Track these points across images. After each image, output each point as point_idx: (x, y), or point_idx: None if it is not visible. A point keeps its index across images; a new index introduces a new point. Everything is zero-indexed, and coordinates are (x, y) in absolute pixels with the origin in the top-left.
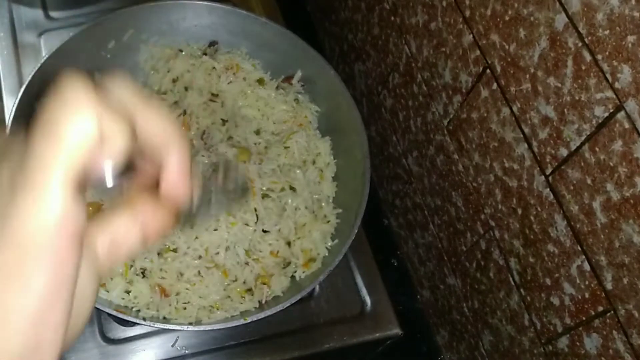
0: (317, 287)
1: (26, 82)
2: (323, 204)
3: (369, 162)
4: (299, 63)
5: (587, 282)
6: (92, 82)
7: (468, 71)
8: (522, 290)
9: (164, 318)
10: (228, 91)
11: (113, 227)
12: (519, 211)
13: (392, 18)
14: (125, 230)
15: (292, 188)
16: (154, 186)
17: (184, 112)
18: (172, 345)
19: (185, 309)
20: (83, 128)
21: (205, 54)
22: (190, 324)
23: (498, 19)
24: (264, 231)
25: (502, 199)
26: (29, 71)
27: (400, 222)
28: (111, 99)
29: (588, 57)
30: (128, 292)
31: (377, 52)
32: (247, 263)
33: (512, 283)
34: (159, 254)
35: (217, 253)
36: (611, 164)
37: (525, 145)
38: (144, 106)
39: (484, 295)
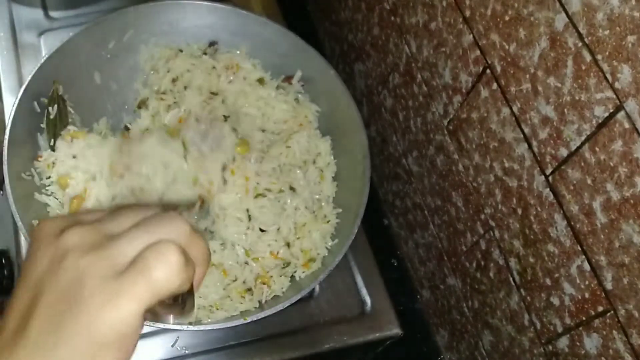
0: (317, 287)
1: (26, 82)
2: (323, 204)
3: (369, 162)
4: (299, 63)
5: (587, 282)
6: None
7: (468, 71)
8: (522, 290)
9: None
10: (228, 90)
11: None
12: (519, 211)
13: (392, 18)
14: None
15: (291, 188)
16: None
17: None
18: (172, 345)
19: None
20: (174, 279)
21: (205, 53)
22: (190, 323)
23: (498, 19)
24: (262, 230)
25: (502, 199)
26: (29, 71)
27: (400, 222)
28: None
29: (588, 57)
30: None
31: (377, 52)
32: (246, 263)
33: (512, 283)
34: None
35: (214, 252)
36: (611, 164)
37: (526, 145)
38: (193, 241)
39: (484, 295)
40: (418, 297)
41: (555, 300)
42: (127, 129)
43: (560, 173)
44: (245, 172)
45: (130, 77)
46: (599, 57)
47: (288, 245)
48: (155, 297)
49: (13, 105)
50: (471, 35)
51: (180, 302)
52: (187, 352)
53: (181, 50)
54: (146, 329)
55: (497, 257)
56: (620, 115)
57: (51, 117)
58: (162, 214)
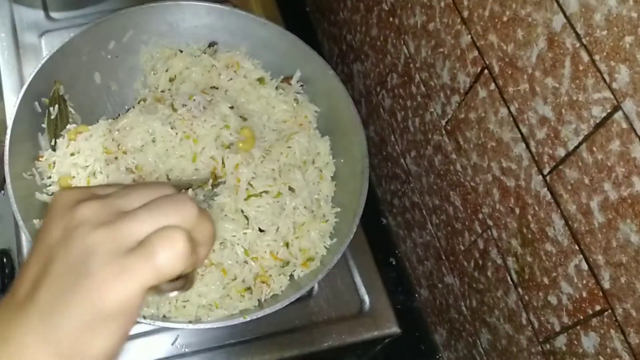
0: (316, 286)
1: (27, 83)
2: (322, 203)
3: (368, 161)
4: (298, 63)
5: (584, 282)
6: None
7: (466, 71)
8: (519, 289)
9: (164, 316)
10: (229, 86)
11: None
12: (517, 211)
13: (391, 19)
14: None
15: (290, 188)
16: None
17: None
18: (172, 344)
19: (184, 307)
20: (178, 263)
21: (204, 53)
22: (190, 322)
23: (496, 20)
24: (261, 230)
25: (500, 199)
26: (30, 71)
27: (398, 222)
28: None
29: (586, 58)
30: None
31: (376, 53)
32: (246, 262)
33: (510, 282)
34: None
35: (213, 251)
36: (609, 163)
37: (523, 145)
38: (200, 223)
39: (482, 294)
40: (416, 295)
41: (553, 299)
42: None
43: (558, 173)
44: (237, 174)
45: (130, 77)
46: (597, 57)
47: (287, 245)
48: (158, 279)
49: (14, 106)
50: (469, 36)
51: (182, 279)
52: (187, 350)
53: (181, 51)
54: (146, 328)
55: (495, 256)
56: (618, 115)
57: (52, 117)
58: (173, 196)
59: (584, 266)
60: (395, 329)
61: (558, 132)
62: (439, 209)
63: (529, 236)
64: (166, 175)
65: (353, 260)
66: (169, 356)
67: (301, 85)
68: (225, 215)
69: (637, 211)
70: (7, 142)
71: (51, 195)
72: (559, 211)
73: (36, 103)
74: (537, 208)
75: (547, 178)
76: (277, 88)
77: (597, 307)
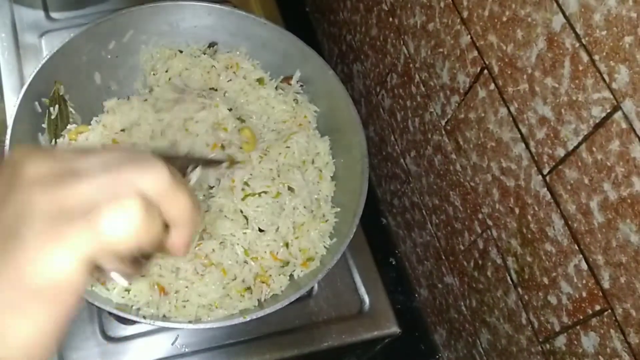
0: (316, 286)
1: (27, 83)
2: (322, 203)
3: (368, 161)
4: (297, 63)
5: (584, 281)
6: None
7: (466, 72)
8: (519, 289)
9: (164, 316)
10: (229, 87)
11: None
12: (517, 210)
13: (391, 19)
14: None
15: (290, 189)
16: None
17: None
18: (172, 344)
19: (184, 307)
20: (128, 238)
21: (204, 54)
22: (190, 322)
23: (495, 20)
24: (260, 230)
25: (500, 199)
26: (30, 72)
27: (398, 222)
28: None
29: (585, 58)
30: (128, 290)
31: (376, 53)
32: (245, 262)
33: (510, 282)
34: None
35: (213, 251)
36: (608, 163)
37: (523, 145)
38: (172, 196)
39: (482, 294)
40: (416, 295)
41: (553, 299)
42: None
43: (558, 173)
44: (231, 174)
45: (130, 77)
46: (596, 57)
47: (287, 245)
48: (101, 252)
49: (14, 106)
50: (469, 36)
51: (136, 263)
52: (186, 350)
53: (181, 51)
54: (146, 327)
55: (495, 256)
56: (618, 115)
57: (52, 117)
58: (141, 157)
59: (584, 266)
60: (395, 329)
61: (558, 132)
62: (438, 209)
63: (529, 236)
64: None
65: (353, 260)
66: (169, 356)
67: (301, 86)
68: (225, 215)
69: (636, 211)
70: (7, 142)
71: None
72: (559, 211)
73: (36, 103)
74: (536, 208)
75: (547, 178)
76: (276, 88)
77: (597, 307)
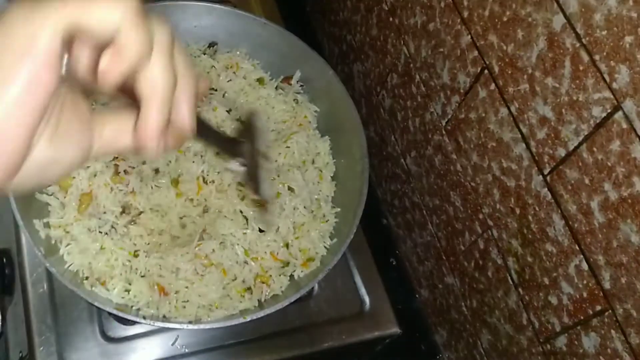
0: (316, 287)
1: None
2: (322, 204)
3: (368, 161)
4: (298, 64)
5: (585, 282)
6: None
7: (466, 72)
8: (520, 289)
9: (164, 317)
10: (228, 87)
11: (113, 122)
12: (517, 211)
13: (391, 19)
14: (124, 127)
15: (290, 189)
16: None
17: None
18: (172, 344)
19: (184, 307)
20: (110, 20)
21: (204, 54)
22: (190, 322)
23: (496, 20)
24: (261, 230)
25: (500, 199)
26: None
27: (398, 222)
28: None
29: (586, 58)
30: (128, 291)
31: (376, 53)
32: (246, 262)
33: (511, 282)
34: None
35: (213, 251)
36: (609, 163)
37: (523, 145)
38: (159, 55)
39: (483, 295)
40: (417, 296)
41: (554, 300)
42: None
43: (558, 173)
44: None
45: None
46: (597, 57)
47: (287, 245)
48: (78, 32)
49: None
50: (469, 36)
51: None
52: (186, 350)
53: None
54: (146, 328)
55: (496, 257)
56: (618, 115)
57: None
58: None
59: (585, 266)
60: (395, 330)
61: (558, 132)
62: (439, 209)
63: (530, 236)
64: (168, 175)
65: (353, 261)
66: (169, 356)
67: (301, 86)
68: (225, 216)
69: (637, 211)
70: None
71: (51, 195)
72: (560, 211)
73: None
74: (537, 208)
75: (548, 178)
76: (277, 88)
77: (598, 308)
